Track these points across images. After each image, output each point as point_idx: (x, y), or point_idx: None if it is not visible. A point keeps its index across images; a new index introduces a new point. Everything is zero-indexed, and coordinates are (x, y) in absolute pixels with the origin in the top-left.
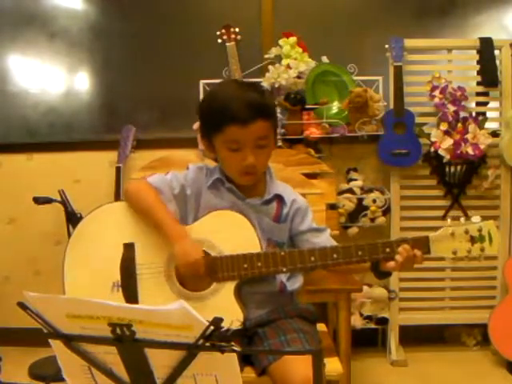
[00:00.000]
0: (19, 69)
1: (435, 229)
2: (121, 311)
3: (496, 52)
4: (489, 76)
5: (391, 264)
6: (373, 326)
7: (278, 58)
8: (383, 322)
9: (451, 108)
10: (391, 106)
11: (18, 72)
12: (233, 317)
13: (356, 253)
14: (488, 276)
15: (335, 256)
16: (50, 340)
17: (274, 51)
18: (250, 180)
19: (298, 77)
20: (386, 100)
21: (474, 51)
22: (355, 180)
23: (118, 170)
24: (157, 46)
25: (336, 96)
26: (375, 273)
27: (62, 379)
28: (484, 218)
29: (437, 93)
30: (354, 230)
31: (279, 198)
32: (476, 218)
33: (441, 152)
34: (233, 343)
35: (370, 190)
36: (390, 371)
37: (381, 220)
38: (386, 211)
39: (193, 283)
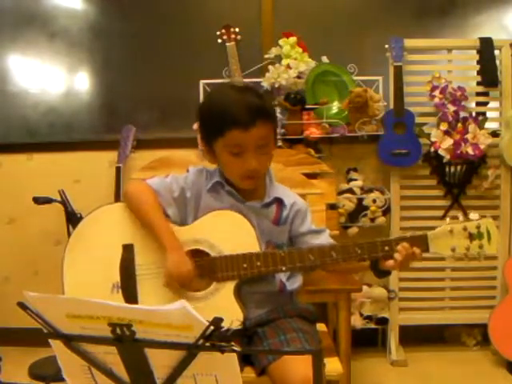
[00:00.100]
0: (19, 69)
1: (435, 229)
2: (121, 311)
3: (496, 52)
4: (489, 76)
5: (390, 262)
6: (373, 326)
7: (278, 58)
8: (383, 322)
9: (451, 108)
10: (391, 106)
11: (17, 72)
12: (233, 317)
13: (355, 251)
14: (488, 276)
15: (334, 255)
16: (49, 340)
17: (273, 51)
18: (251, 184)
19: (298, 77)
20: (386, 100)
21: (474, 51)
22: (355, 180)
23: (117, 169)
24: (157, 46)
25: (336, 96)
26: (374, 271)
27: (62, 379)
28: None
29: (437, 93)
30: (354, 230)
31: (279, 201)
32: (474, 215)
33: (441, 152)
34: (233, 343)
35: (370, 190)
36: (389, 371)
37: (381, 220)
38: (386, 211)
39: (192, 284)
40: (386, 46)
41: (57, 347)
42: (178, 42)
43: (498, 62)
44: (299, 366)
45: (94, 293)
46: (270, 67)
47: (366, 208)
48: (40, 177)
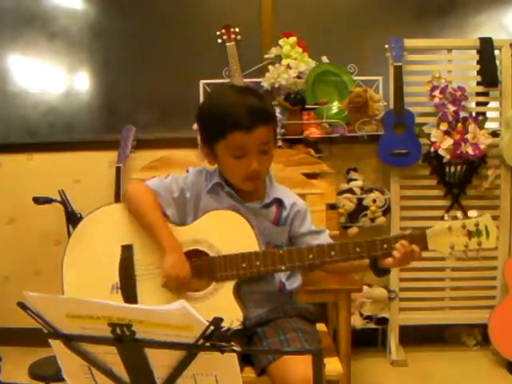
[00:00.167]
0: (19, 69)
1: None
2: (121, 311)
3: (496, 52)
4: (489, 76)
5: (389, 260)
6: (373, 326)
7: (278, 58)
8: (383, 322)
9: (451, 108)
10: (391, 106)
11: (18, 72)
12: (232, 316)
13: (354, 249)
14: (488, 276)
15: (333, 253)
16: (49, 340)
17: (273, 51)
18: (252, 185)
19: (298, 77)
20: (386, 100)
21: (474, 51)
22: (355, 180)
23: (117, 169)
24: (157, 46)
25: (336, 96)
26: (374, 270)
27: (62, 379)
28: None
29: (437, 93)
30: (354, 230)
31: (279, 202)
32: (473, 213)
33: (441, 152)
34: (233, 343)
35: (370, 190)
36: (389, 371)
37: (381, 220)
38: (386, 211)
39: (192, 284)
40: (386, 46)
41: (57, 347)
42: (177, 42)
43: (498, 62)
44: (299, 365)
45: (94, 293)
46: (270, 67)
47: (366, 208)
48: (40, 177)
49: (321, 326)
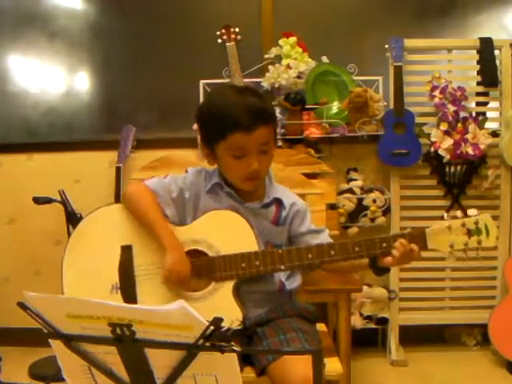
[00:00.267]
0: (19, 69)
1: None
2: (121, 311)
3: (496, 52)
4: (489, 76)
5: (388, 259)
6: (373, 326)
7: (278, 58)
8: (383, 322)
9: (451, 108)
10: (391, 106)
11: (18, 72)
12: (232, 316)
13: (353, 249)
14: (488, 276)
15: (332, 253)
16: (49, 340)
17: (273, 51)
18: (253, 185)
19: (298, 77)
20: (386, 100)
21: (474, 51)
22: (355, 180)
23: (117, 169)
24: (157, 46)
25: (336, 96)
26: (373, 269)
27: (62, 379)
28: None
29: (437, 93)
30: (354, 230)
31: (278, 202)
32: (472, 211)
33: (441, 152)
34: (233, 343)
35: (370, 190)
36: (389, 371)
37: (381, 220)
38: (386, 211)
39: (191, 284)
40: (386, 45)
41: (57, 347)
42: (177, 42)
43: (498, 62)
44: (299, 365)
45: (93, 293)
46: (270, 67)
47: (366, 208)
48: (40, 177)
49: (321, 326)
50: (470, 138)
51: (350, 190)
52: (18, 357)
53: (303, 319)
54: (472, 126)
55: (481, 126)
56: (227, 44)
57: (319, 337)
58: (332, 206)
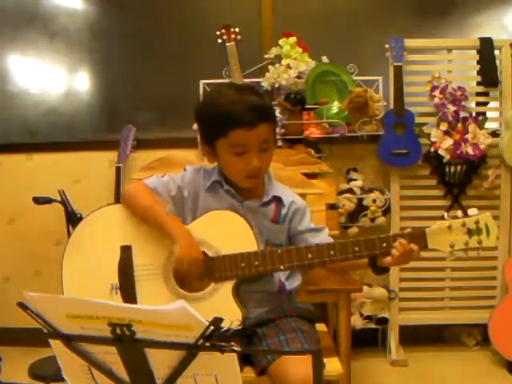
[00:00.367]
0: (19, 69)
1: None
2: (121, 311)
3: (496, 52)
4: (489, 76)
5: (388, 259)
6: (373, 326)
7: (278, 58)
8: (383, 322)
9: (451, 108)
10: (391, 106)
11: (18, 72)
12: (232, 317)
13: (353, 249)
14: (488, 276)
15: (332, 253)
16: (49, 340)
17: (273, 51)
18: (253, 183)
19: (298, 77)
20: (386, 100)
21: (474, 51)
22: (355, 180)
23: (117, 169)
24: (157, 45)
25: (336, 96)
26: (373, 268)
27: (62, 379)
28: None
29: (437, 93)
30: (354, 230)
31: (278, 200)
32: (473, 211)
33: (441, 152)
34: (233, 343)
35: (370, 190)
36: (389, 371)
37: (381, 220)
38: (386, 211)
39: (191, 284)
40: (386, 45)
41: (57, 347)
42: (177, 42)
43: (498, 62)
44: (299, 366)
45: (93, 294)
46: (270, 67)
47: (366, 208)
48: (40, 177)
49: (321, 326)
50: (470, 138)
51: (350, 190)
52: (17, 357)
53: (303, 319)
54: (472, 126)
55: (481, 126)
56: (227, 44)
57: (318, 337)
58: (332, 206)
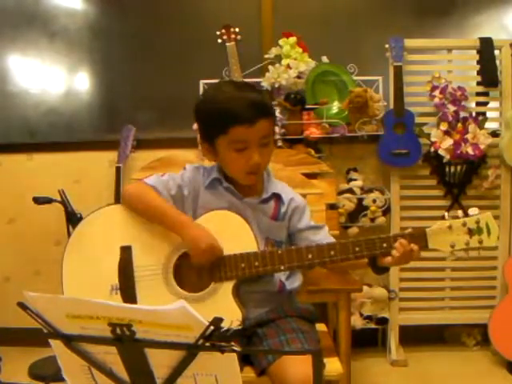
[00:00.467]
0: (19, 69)
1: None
2: (121, 311)
3: (496, 52)
4: (489, 76)
5: (388, 259)
6: (373, 326)
7: (278, 58)
8: (383, 322)
9: (451, 108)
10: (391, 106)
11: (18, 72)
12: (232, 317)
13: (353, 249)
14: (488, 276)
15: (332, 253)
16: (49, 340)
17: (273, 51)
18: (253, 179)
19: (298, 77)
20: (386, 100)
21: (474, 51)
22: (355, 180)
23: (117, 169)
24: (157, 45)
25: (336, 96)
26: (373, 268)
27: (62, 379)
28: None
29: (437, 93)
30: (354, 230)
31: (277, 197)
32: (473, 211)
33: (441, 152)
34: (233, 343)
35: (370, 190)
36: (389, 371)
37: (381, 220)
38: (386, 211)
39: (191, 284)
40: (386, 45)
41: (57, 347)
42: (177, 42)
43: (498, 62)
44: (299, 366)
45: (93, 294)
46: (270, 67)
47: (366, 208)
48: (40, 177)
49: (321, 326)
50: (470, 138)
51: (350, 190)
52: (17, 357)
53: (303, 319)
54: (472, 126)
55: (481, 126)
56: (227, 44)
57: (318, 337)
58: (332, 206)
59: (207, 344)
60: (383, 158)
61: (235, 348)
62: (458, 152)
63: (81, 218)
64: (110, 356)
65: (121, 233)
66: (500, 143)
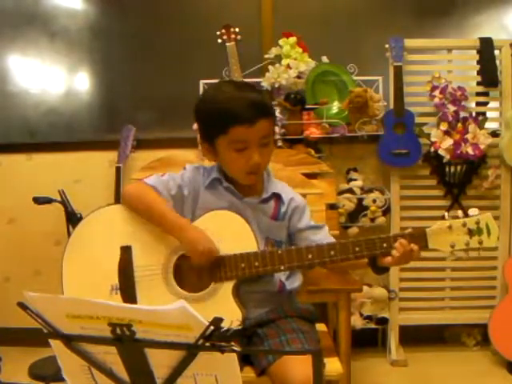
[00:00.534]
0: (19, 69)
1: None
2: (121, 311)
3: (496, 52)
4: (489, 76)
5: (388, 259)
6: (373, 326)
7: (278, 58)
8: (383, 321)
9: (451, 108)
10: (391, 106)
11: (18, 72)
12: (232, 317)
13: (353, 249)
14: (488, 276)
15: (332, 253)
16: (49, 340)
17: (273, 51)
18: (253, 179)
19: (298, 77)
20: (386, 100)
21: (474, 51)
22: (355, 180)
23: (117, 169)
24: (156, 45)
25: (336, 96)
26: (373, 268)
27: (62, 379)
28: None
29: (437, 93)
30: (354, 230)
31: (277, 197)
32: (473, 211)
33: (441, 152)
34: (233, 343)
35: (370, 190)
36: (389, 371)
37: (381, 220)
38: (386, 211)
39: (191, 284)
40: (386, 45)
41: (57, 347)
42: (177, 42)
43: (498, 62)
44: (299, 366)
45: (93, 294)
46: (270, 67)
47: (366, 208)
48: (40, 177)
49: (321, 326)
50: (470, 138)
51: (350, 190)
52: (18, 357)
53: (303, 319)
54: (472, 126)
55: (481, 126)
56: (227, 44)
57: (318, 337)
58: (332, 206)
59: (207, 344)
60: (383, 158)
61: (235, 348)
62: (458, 152)
63: (81, 218)
64: (110, 356)
65: (121, 233)
66: (500, 143)
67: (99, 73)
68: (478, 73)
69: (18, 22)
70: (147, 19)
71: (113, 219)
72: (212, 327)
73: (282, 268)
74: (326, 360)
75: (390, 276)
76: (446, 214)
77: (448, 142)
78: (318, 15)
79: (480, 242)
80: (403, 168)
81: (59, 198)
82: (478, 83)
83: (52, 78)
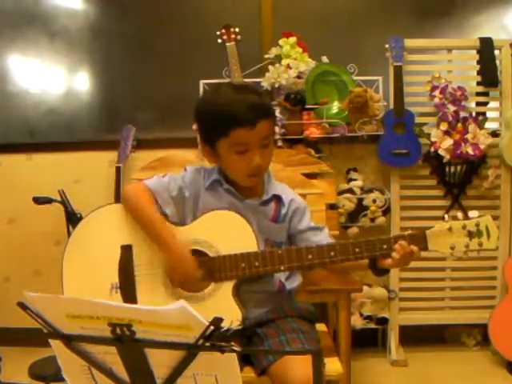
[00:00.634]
0: (19, 69)
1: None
2: (121, 311)
3: (496, 52)
4: (489, 76)
5: (388, 261)
6: (373, 326)
7: (278, 58)
8: (383, 322)
9: (451, 108)
10: (391, 106)
11: (18, 72)
12: (232, 317)
13: (353, 250)
14: (488, 276)
15: (332, 254)
16: (49, 340)
17: (274, 51)
18: (254, 181)
19: (298, 77)
20: (386, 100)
21: (474, 51)
22: (355, 180)
23: (117, 169)
24: (156, 45)
25: (336, 96)
26: (373, 270)
27: (62, 379)
28: None
29: (437, 93)
30: (354, 230)
31: (277, 199)
32: (473, 213)
33: (441, 152)
34: (233, 343)
35: (370, 190)
36: (389, 371)
37: (381, 220)
38: (386, 211)
39: (191, 284)
40: (386, 45)
41: (57, 347)
42: (177, 42)
43: (498, 62)
44: (299, 366)
45: (93, 293)
46: (270, 67)
47: (366, 208)
48: (40, 177)
49: (321, 326)
50: (470, 138)
51: (350, 190)
52: (18, 357)
53: (303, 319)
54: (472, 126)
55: (481, 126)
56: (227, 44)
57: (318, 337)
58: (332, 206)
59: (207, 344)
60: (383, 157)
61: (235, 348)
62: (458, 152)
63: (81, 218)
64: (110, 356)
65: (121, 232)
66: (500, 143)
67: (99, 73)
68: (478, 73)
69: (18, 22)
70: (147, 19)
71: (113, 219)
72: (212, 327)
73: (282, 268)
74: (326, 360)
75: (390, 276)
76: (446, 215)
77: (448, 142)
78: (318, 15)
79: (480, 244)
80: (403, 168)
81: (59, 198)
82: (478, 83)
83: (52, 78)
